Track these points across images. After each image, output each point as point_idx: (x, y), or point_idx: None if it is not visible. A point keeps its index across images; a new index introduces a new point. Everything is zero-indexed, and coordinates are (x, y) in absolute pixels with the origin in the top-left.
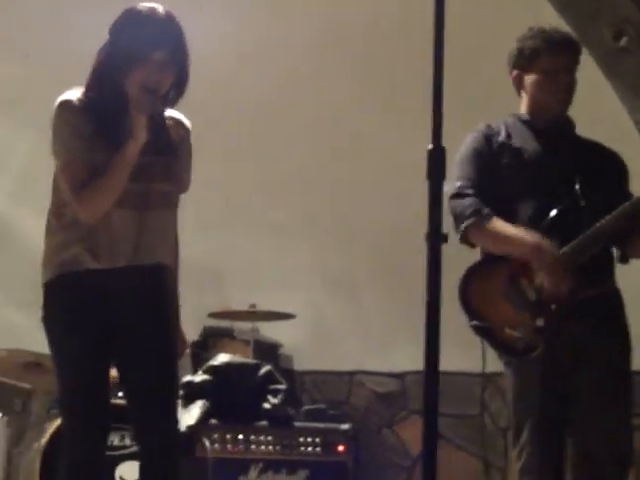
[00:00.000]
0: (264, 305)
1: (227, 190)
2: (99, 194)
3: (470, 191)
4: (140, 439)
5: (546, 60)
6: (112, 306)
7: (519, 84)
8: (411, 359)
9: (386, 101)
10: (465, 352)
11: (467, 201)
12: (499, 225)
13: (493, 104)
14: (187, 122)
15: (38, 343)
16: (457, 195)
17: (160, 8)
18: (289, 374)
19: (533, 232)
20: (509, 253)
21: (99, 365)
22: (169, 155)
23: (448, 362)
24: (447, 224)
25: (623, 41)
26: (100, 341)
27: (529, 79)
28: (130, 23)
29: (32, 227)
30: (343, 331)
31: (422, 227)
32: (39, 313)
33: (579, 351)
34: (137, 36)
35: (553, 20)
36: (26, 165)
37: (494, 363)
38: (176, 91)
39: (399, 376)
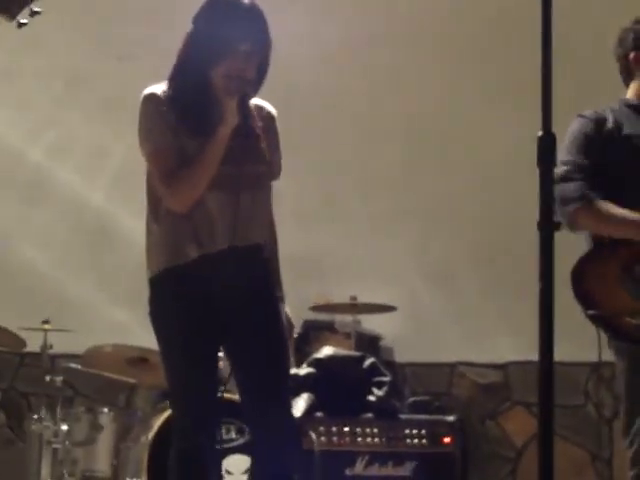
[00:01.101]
0: (364, 298)
1: (326, 184)
2: (190, 182)
3: (578, 175)
4: (255, 432)
5: None
6: (217, 294)
7: (636, 67)
8: (513, 349)
9: (487, 88)
10: (567, 341)
11: (574, 185)
12: (612, 208)
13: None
14: (272, 109)
15: (142, 338)
16: (564, 179)
17: None
18: (390, 366)
19: None
20: (624, 236)
21: (208, 358)
22: (255, 138)
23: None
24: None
25: None
26: (208, 333)
27: None
28: (215, 14)
29: (132, 225)
30: (443, 322)
31: (523, 216)
32: (142, 309)
33: None
34: (222, 28)
35: None
36: (124, 165)
37: (595, 353)
38: (258, 78)
39: (501, 367)
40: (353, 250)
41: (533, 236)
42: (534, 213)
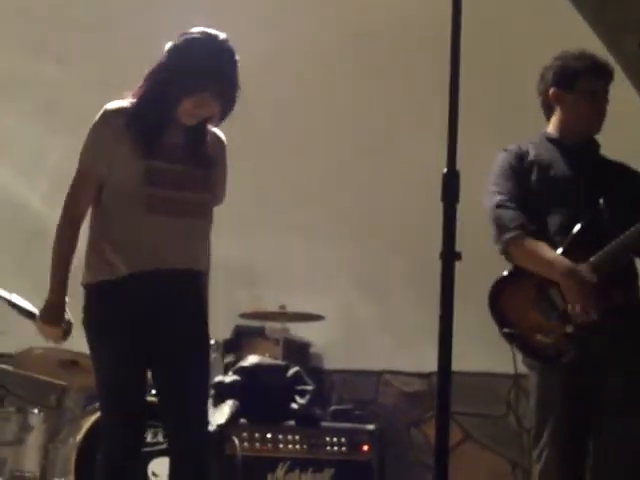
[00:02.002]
0: (294, 305)
1: (259, 192)
2: (55, 242)
3: (511, 204)
4: (171, 438)
5: (587, 81)
6: (147, 311)
7: (555, 102)
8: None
9: (413, 101)
10: (492, 354)
11: (512, 213)
12: (539, 246)
13: (522, 121)
14: (224, 138)
15: (73, 342)
16: (500, 206)
17: (219, 39)
18: (319, 373)
19: (568, 260)
20: (542, 274)
21: (135, 366)
22: (206, 167)
23: (475, 363)
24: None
25: None
26: (136, 343)
27: (568, 99)
28: (191, 53)
29: None
30: (372, 331)
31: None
32: (76, 312)
33: (601, 360)
34: (195, 69)
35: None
36: (61, 167)
37: (520, 365)
38: (220, 117)
39: (426, 376)
40: (286, 258)
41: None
42: (468, 227)
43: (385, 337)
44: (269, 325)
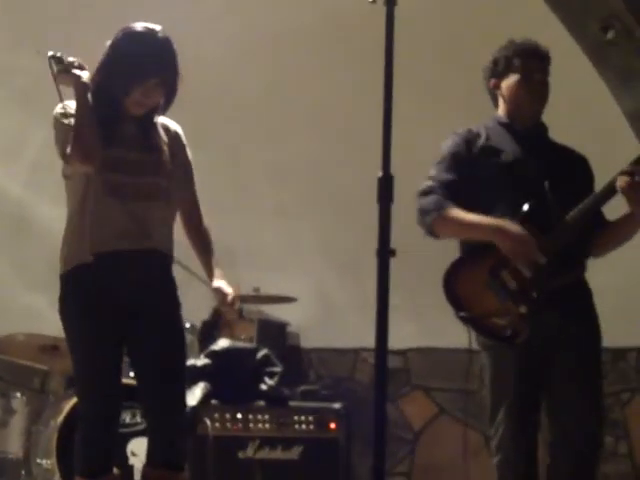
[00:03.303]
0: (271, 285)
1: (236, 175)
2: (79, 135)
3: (439, 191)
4: (148, 419)
5: (519, 63)
6: (115, 294)
7: (496, 92)
8: (412, 337)
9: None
10: (464, 330)
11: (431, 198)
12: (460, 213)
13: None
14: (177, 126)
15: (54, 326)
16: (423, 193)
17: (157, 30)
18: (296, 352)
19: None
20: (474, 238)
21: (111, 350)
22: (158, 152)
23: (449, 339)
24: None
25: (610, 34)
26: (111, 327)
27: (505, 83)
28: (129, 45)
29: (47, 214)
30: (347, 310)
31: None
32: (55, 297)
33: (552, 337)
34: (135, 61)
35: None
36: (40, 155)
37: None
38: (165, 104)
39: (401, 353)
40: (263, 240)
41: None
42: None
43: (361, 316)
44: (246, 307)
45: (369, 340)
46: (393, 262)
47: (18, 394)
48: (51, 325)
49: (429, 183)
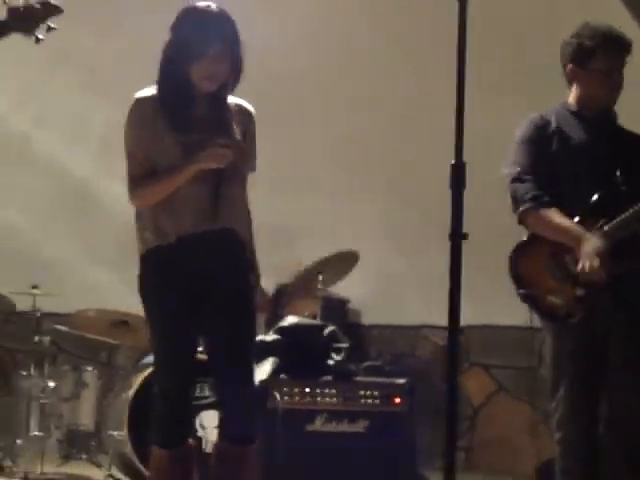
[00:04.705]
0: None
1: (297, 154)
2: (148, 193)
3: (528, 177)
4: (221, 394)
5: (602, 59)
6: (195, 272)
7: (572, 78)
8: (472, 314)
9: (439, 63)
10: (523, 307)
11: (526, 186)
12: (553, 215)
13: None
14: (249, 106)
15: (124, 300)
16: (517, 179)
17: (214, 5)
18: (357, 328)
19: (581, 227)
20: (558, 240)
21: (186, 327)
22: (229, 133)
23: (508, 317)
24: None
25: None
26: (187, 306)
27: (583, 75)
28: (188, 22)
29: (114, 191)
30: (408, 287)
31: (492, 189)
32: (123, 272)
33: (606, 322)
34: (193, 35)
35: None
36: (105, 133)
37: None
38: (233, 79)
39: (461, 330)
40: (323, 217)
41: (500, 212)
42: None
43: (421, 292)
44: (309, 284)
45: (429, 317)
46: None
47: (90, 368)
48: (120, 301)
49: (517, 169)
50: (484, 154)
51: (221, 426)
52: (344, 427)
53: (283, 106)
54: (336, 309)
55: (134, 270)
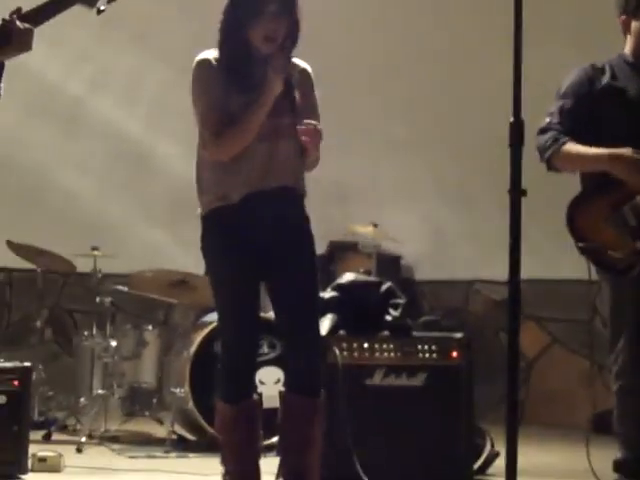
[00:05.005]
0: (384, 219)
1: (347, 113)
2: (234, 138)
3: (555, 126)
4: (288, 348)
5: None
6: (259, 231)
7: (625, 28)
8: (525, 267)
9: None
10: (576, 261)
11: (548, 134)
12: (575, 147)
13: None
14: (306, 65)
15: (180, 260)
16: (542, 130)
17: None
18: (410, 284)
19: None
20: (591, 169)
21: (250, 285)
22: (289, 92)
23: (561, 270)
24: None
25: None
26: (250, 263)
27: (635, 25)
28: None
29: (168, 152)
30: (460, 242)
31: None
32: (178, 232)
33: None
34: None
35: None
36: (157, 95)
37: (594, 273)
38: (291, 39)
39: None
40: (373, 174)
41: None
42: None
43: (473, 247)
44: (362, 240)
45: (481, 272)
46: (505, 196)
47: (150, 327)
48: (177, 258)
49: (547, 120)
50: (540, 109)
51: (287, 379)
52: (403, 381)
53: (333, 64)
54: (389, 265)
55: (187, 231)
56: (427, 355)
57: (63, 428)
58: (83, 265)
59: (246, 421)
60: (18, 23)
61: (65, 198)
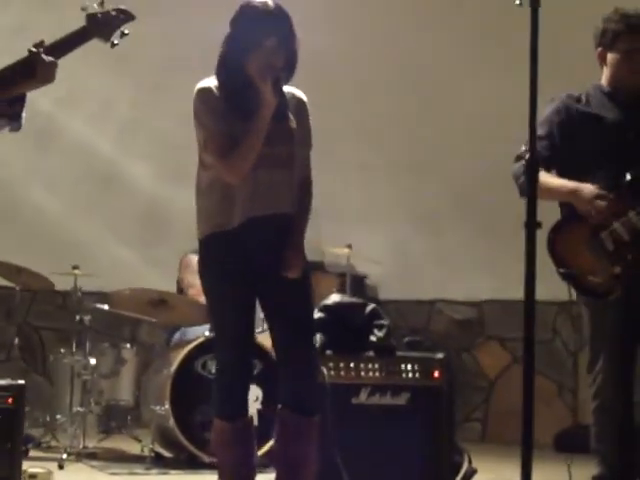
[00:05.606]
0: (351, 239)
1: (324, 136)
2: (242, 157)
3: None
4: (285, 368)
5: (625, 41)
6: (255, 255)
7: (602, 60)
8: (488, 289)
9: (475, 52)
10: (539, 283)
11: (521, 163)
12: (542, 177)
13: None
14: (302, 94)
15: (153, 280)
16: (518, 158)
17: (271, 1)
18: (375, 303)
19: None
20: (558, 200)
21: (246, 310)
22: (285, 121)
23: (521, 291)
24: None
25: None
26: (247, 289)
27: (610, 57)
28: (245, 17)
29: (138, 171)
30: (425, 263)
31: (502, 168)
32: (148, 252)
33: None
34: (250, 28)
35: None
36: (129, 114)
37: (564, 292)
38: (288, 72)
39: (477, 304)
40: (344, 195)
41: (513, 189)
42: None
43: (437, 268)
44: (332, 260)
45: (444, 292)
46: (475, 219)
47: (128, 345)
48: (148, 279)
49: (523, 147)
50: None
51: (283, 397)
52: (387, 400)
53: (310, 85)
54: (355, 285)
55: (158, 250)
56: (410, 375)
57: (38, 445)
58: (58, 283)
59: (243, 438)
60: (44, 56)
61: (34, 215)
